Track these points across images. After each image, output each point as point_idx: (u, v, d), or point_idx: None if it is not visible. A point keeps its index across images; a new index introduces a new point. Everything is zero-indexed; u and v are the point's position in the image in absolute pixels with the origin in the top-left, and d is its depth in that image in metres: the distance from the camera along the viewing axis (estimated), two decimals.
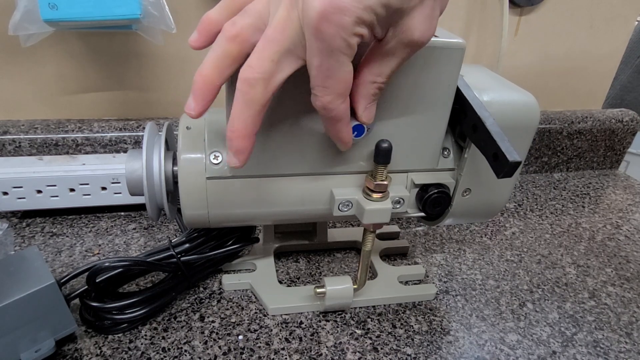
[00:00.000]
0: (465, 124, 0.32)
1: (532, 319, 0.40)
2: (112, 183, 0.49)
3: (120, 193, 0.50)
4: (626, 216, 0.59)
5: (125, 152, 0.54)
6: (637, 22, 0.68)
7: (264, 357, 0.35)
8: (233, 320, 0.38)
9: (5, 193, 0.47)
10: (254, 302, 0.40)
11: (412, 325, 0.39)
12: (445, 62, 0.30)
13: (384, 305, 0.41)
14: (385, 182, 0.32)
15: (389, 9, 0.23)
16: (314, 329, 0.38)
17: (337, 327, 0.38)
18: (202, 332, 0.37)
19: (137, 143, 0.54)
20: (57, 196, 0.48)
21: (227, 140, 0.26)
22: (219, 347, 0.36)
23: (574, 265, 0.48)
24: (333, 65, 0.24)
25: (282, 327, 0.38)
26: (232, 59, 0.25)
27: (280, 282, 0.42)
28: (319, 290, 0.38)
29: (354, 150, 0.33)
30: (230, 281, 0.41)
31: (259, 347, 0.36)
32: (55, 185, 0.48)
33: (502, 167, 0.28)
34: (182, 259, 0.38)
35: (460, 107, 0.32)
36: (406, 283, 0.43)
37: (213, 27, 0.26)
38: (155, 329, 0.37)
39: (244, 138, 0.26)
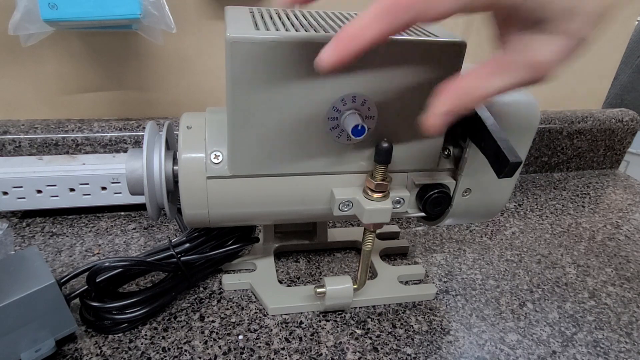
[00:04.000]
0: (465, 124, 0.32)
1: (532, 319, 0.40)
2: (112, 183, 0.49)
3: (120, 193, 0.50)
4: (626, 216, 0.59)
5: (125, 152, 0.54)
6: (637, 22, 0.68)
7: (264, 357, 0.35)
8: (233, 320, 0.38)
9: (5, 193, 0.47)
10: (254, 302, 0.40)
11: (412, 325, 0.39)
12: (446, 62, 0.30)
13: (384, 305, 0.41)
14: (385, 182, 0.32)
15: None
16: (314, 328, 0.38)
17: (337, 327, 0.38)
18: (202, 332, 0.37)
19: (137, 143, 0.54)
20: (57, 196, 0.48)
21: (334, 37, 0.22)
22: (219, 347, 0.36)
23: (574, 265, 0.48)
24: None
25: (282, 327, 0.38)
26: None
27: (280, 282, 0.42)
28: (319, 290, 0.38)
29: (354, 150, 0.33)
30: (230, 281, 0.41)
31: (259, 347, 0.36)
32: (55, 185, 0.48)
33: (502, 167, 0.28)
34: (182, 258, 0.38)
35: None
36: (406, 283, 0.43)
37: None
38: (155, 328, 0.37)
39: (351, 40, 0.21)
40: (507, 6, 0.22)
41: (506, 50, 0.23)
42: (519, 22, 0.23)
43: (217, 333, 0.37)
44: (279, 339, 0.37)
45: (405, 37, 0.29)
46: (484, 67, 0.24)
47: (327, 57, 0.22)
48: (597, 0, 0.22)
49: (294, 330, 0.37)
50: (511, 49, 0.23)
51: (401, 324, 0.39)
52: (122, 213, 0.52)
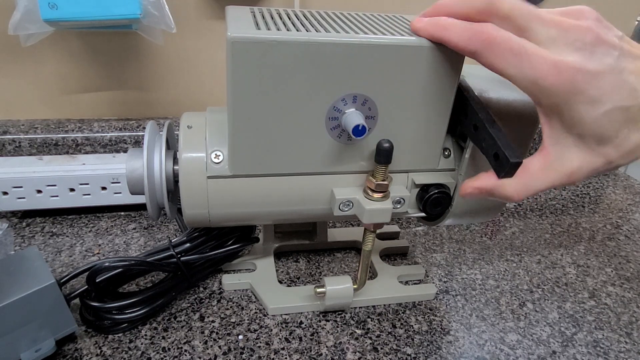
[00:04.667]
0: (465, 124, 0.32)
1: (532, 319, 0.40)
2: (112, 183, 0.49)
3: (120, 193, 0.50)
4: (626, 216, 0.59)
5: (125, 152, 0.54)
6: (637, 22, 0.69)
7: (264, 357, 0.35)
8: (233, 320, 0.38)
9: (5, 193, 0.47)
10: (254, 302, 0.40)
11: (412, 325, 0.39)
12: (446, 62, 0.30)
13: (384, 305, 0.41)
14: (385, 182, 0.32)
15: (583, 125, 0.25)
16: (314, 328, 0.38)
17: (337, 327, 0.38)
18: (202, 332, 0.37)
19: (137, 143, 0.54)
20: (57, 196, 0.48)
21: None
22: (219, 347, 0.36)
23: (574, 265, 0.48)
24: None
25: (282, 327, 0.38)
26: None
27: (280, 282, 0.42)
28: (319, 290, 0.38)
29: (354, 150, 0.33)
30: (230, 281, 0.41)
31: (259, 347, 0.36)
32: (55, 185, 0.48)
33: (503, 167, 0.28)
34: (182, 258, 0.38)
35: (461, 107, 0.32)
36: (406, 283, 0.43)
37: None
38: (155, 328, 0.37)
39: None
40: (548, 105, 0.26)
41: (549, 154, 0.27)
42: (561, 122, 0.26)
43: (217, 333, 0.37)
44: (279, 339, 0.37)
45: (405, 37, 0.29)
46: (530, 172, 0.28)
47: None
48: (634, 139, 0.26)
49: (294, 330, 0.37)
50: (553, 154, 0.27)
51: (401, 324, 0.39)
52: (122, 213, 0.52)
